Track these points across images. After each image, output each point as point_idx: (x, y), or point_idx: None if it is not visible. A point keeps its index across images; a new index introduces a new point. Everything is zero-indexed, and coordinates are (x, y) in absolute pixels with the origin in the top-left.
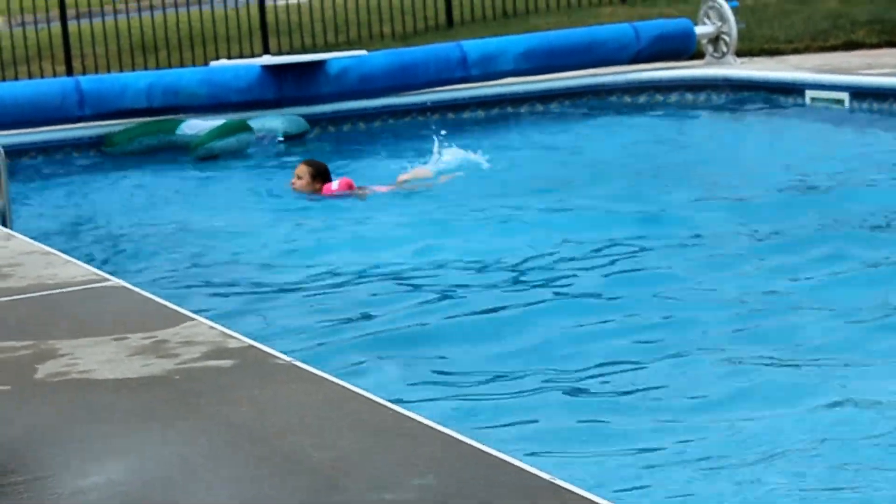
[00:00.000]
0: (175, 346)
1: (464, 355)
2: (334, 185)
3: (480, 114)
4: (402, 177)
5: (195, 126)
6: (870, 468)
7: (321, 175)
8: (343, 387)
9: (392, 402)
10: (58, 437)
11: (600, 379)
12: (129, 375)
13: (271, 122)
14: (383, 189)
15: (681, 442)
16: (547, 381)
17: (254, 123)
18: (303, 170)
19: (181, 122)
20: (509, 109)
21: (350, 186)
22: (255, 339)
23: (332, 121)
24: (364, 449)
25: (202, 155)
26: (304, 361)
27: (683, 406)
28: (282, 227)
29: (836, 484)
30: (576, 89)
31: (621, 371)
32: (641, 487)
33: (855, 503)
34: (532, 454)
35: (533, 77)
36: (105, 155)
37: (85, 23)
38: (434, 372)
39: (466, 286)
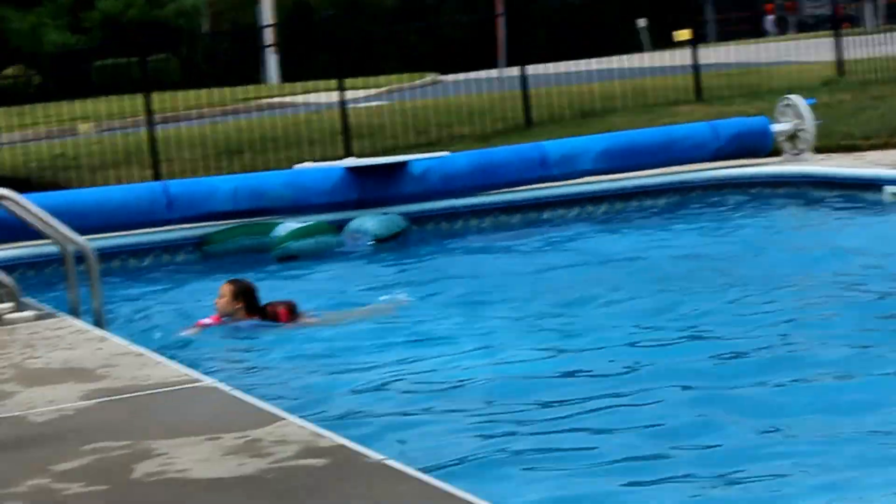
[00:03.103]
0: (268, 445)
1: (564, 452)
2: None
3: (560, 212)
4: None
5: (289, 227)
6: None
7: (244, 294)
8: (436, 486)
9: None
10: None
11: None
12: (224, 475)
13: (365, 224)
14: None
15: None
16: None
17: (351, 224)
18: (225, 288)
19: (278, 223)
20: (589, 208)
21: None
22: (345, 438)
23: (416, 220)
24: None
25: (279, 255)
26: (399, 460)
27: None
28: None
29: None
30: (655, 187)
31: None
32: None
33: None
34: None
35: (612, 175)
36: (196, 256)
37: (171, 127)
38: (534, 469)
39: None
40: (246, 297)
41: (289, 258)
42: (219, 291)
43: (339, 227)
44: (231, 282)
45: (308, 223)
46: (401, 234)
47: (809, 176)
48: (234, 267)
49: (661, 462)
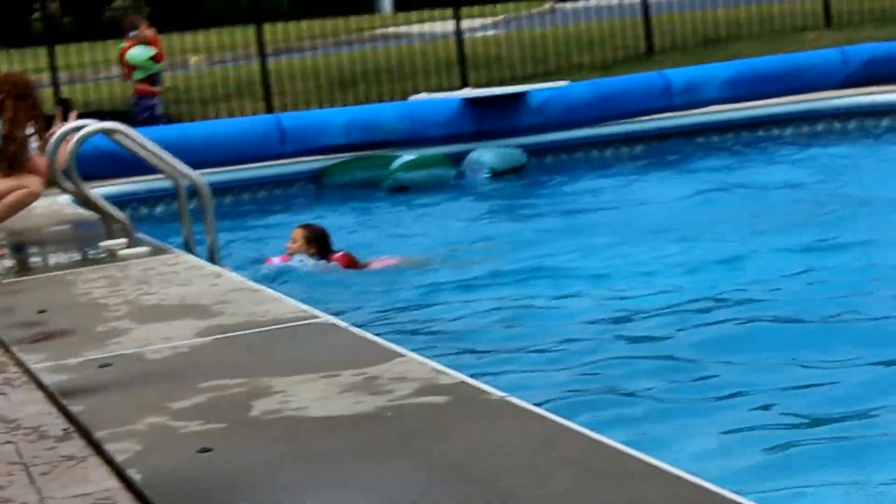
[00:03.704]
0: (386, 382)
1: (683, 393)
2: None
3: (684, 143)
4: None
5: (406, 160)
6: None
7: (317, 240)
8: (558, 423)
9: (610, 438)
10: (271, 475)
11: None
12: (341, 413)
13: (483, 156)
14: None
15: None
16: (769, 420)
17: (470, 156)
18: (298, 233)
19: (396, 156)
20: (714, 138)
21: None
22: (466, 375)
23: (535, 153)
24: (583, 490)
25: (389, 186)
26: (517, 397)
27: None
28: (465, 265)
29: None
30: (783, 116)
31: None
32: None
33: None
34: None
35: (737, 105)
36: (309, 189)
37: (283, 59)
38: (654, 409)
39: (661, 321)
40: (319, 242)
41: (400, 189)
42: (291, 236)
43: (456, 159)
44: (304, 226)
45: (423, 155)
46: (519, 169)
47: None
48: (348, 200)
49: (794, 414)
